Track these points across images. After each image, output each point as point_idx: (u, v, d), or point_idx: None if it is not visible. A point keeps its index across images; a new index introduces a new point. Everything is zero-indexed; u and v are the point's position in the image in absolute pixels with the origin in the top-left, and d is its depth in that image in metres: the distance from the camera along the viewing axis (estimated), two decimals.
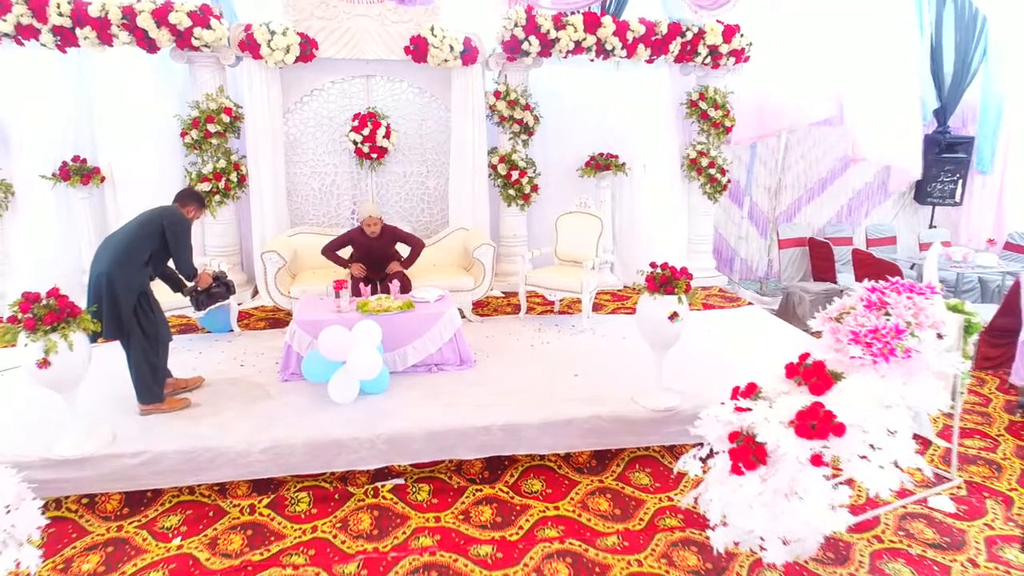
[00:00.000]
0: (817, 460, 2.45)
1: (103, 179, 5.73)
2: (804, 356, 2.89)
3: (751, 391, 2.81)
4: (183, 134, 5.55)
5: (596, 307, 5.66)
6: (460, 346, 4.38)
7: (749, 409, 2.69)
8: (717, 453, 2.66)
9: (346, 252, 5.01)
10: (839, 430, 2.44)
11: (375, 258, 4.94)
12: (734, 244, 7.75)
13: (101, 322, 3.42)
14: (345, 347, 3.75)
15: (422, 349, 4.25)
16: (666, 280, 3.60)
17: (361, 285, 4.63)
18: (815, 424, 2.47)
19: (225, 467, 3.33)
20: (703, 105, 6.44)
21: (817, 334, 3.03)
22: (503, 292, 6.38)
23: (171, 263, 3.83)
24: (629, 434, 3.74)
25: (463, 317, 4.86)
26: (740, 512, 2.49)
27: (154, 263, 3.71)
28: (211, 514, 3.24)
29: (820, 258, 6.77)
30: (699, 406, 3.56)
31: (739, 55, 6.33)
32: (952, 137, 7.36)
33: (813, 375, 2.73)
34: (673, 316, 3.57)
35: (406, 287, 4.76)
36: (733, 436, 2.65)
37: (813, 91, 6.65)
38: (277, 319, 5.48)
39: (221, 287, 4.19)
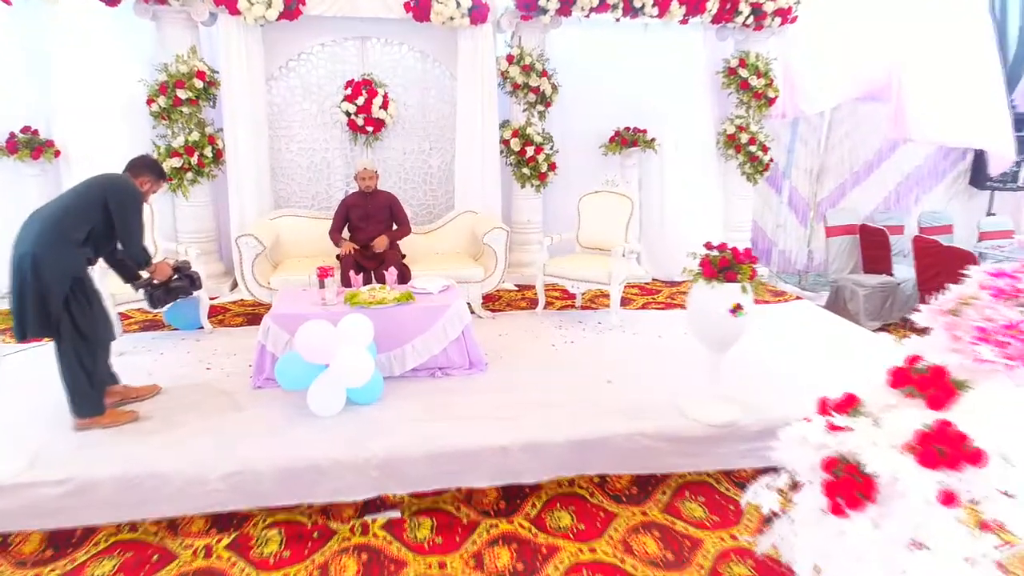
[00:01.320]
0: (949, 498, 1.88)
1: (57, 153, 5.17)
2: (913, 359, 2.33)
3: (849, 404, 2.23)
4: (149, 101, 5.04)
5: (623, 302, 5.15)
6: (469, 346, 3.91)
7: (849, 428, 2.13)
8: (802, 484, 2.13)
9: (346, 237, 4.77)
10: (976, 457, 1.87)
11: (372, 232, 4.67)
12: (771, 234, 7.16)
13: (21, 315, 2.88)
14: (329, 347, 3.29)
15: (424, 349, 3.80)
16: (727, 264, 3.07)
17: (352, 274, 4.16)
18: (943, 450, 1.90)
19: (176, 498, 2.84)
20: (743, 73, 5.83)
21: (906, 330, 2.40)
22: (516, 285, 5.92)
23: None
24: (679, 455, 3.21)
25: (471, 313, 4.33)
26: (844, 565, 1.97)
27: (96, 244, 3.13)
28: (155, 558, 2.70)
29: (873, 247, 6.13)
30: (764, 420, 3.12)
31: (785, 15, 5.74)
32: (1017, 113, 6.79)
33: (931, 384, 2.16)
34: (736, 309, 3.05)
35: (404, 277, 4.35)
36: (830, 464, 2.08)
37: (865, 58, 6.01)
38: (257, 315, 4.92)
39: (183, 280, 3.60)
